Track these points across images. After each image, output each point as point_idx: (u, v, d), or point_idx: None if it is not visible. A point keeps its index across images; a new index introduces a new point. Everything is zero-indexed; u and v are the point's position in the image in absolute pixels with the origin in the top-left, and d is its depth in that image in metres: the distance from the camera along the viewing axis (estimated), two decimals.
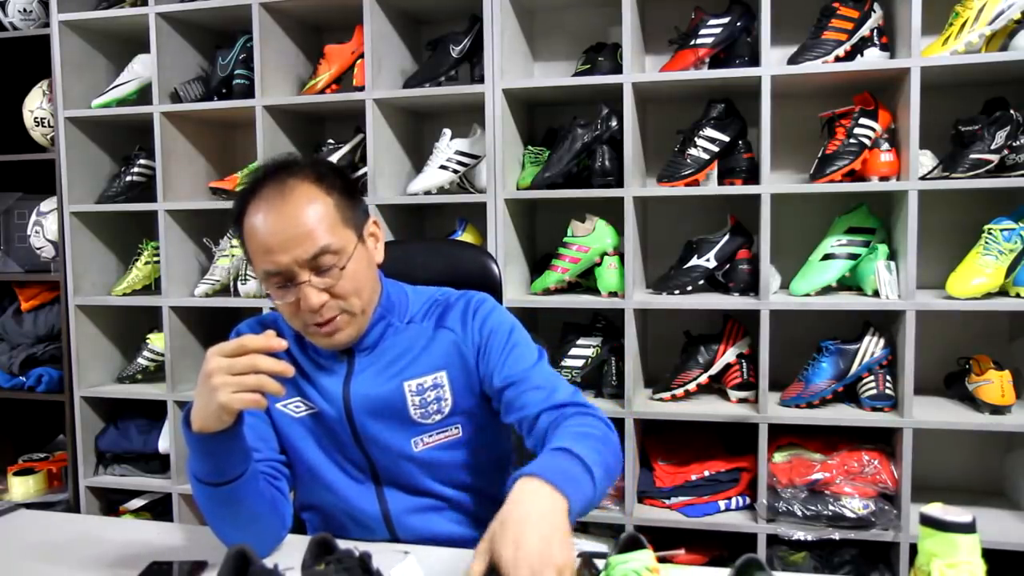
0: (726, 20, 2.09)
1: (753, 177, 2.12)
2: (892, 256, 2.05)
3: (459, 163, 2.27)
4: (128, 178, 2.54)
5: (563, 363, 2.21)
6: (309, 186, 1.15)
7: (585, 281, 2.29)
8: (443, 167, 2.26)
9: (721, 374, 2.18)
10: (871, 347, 2.05)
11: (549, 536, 0.89)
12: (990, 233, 1.94)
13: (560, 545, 0.89)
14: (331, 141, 2.41)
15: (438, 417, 1.23)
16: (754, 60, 2.09)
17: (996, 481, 2.22)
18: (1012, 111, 1.95)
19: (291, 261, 1.11)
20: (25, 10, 2.61)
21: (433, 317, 1.26)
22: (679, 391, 2.15)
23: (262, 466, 1.20)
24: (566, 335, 2.25)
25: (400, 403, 1.22)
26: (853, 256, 2.07)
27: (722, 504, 2.11)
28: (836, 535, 1.98)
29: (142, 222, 2.63)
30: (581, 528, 2.25)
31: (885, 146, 2.02)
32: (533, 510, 0.91)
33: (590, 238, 2.19)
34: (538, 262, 2.40)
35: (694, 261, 2.16)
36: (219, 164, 2.67)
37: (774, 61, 2.01)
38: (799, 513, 2.01)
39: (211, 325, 2.59)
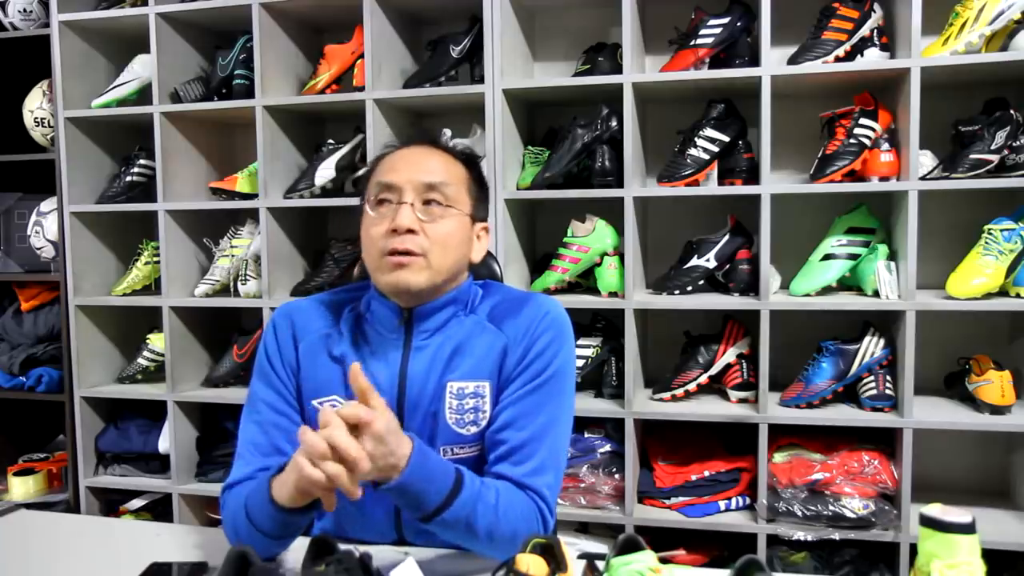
0: (726, 20, 2.09)
1: (753, 177, 2.12)
2: (892, 256, 2.05)
3: None
4: (128, 178, 2.54)
5: None
6: (452, 158, 1.24)
7: (585, 281, 2.29)
8: None
9: (721, 374, 2.18)
10: (871, 347, 2.05)
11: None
12: (990, 233, 1.94)
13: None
14: (331, 141, 2.41)
15: (473, 429, 1.19)
16: (754, 60, 2.09)
17: (996, 481, 2.22)
18: (1012, 111, 1.95)
19: (406, 180, 1.16)
20: (25, 10, 2.61)
21: (494, 313, 1.23)
22: (679, 391, 2.15)
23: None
24: None
25: (438, 404, 1.18)
26: (853, 256, 2.07)
27: (722, 504, 2.11)
28: (836, 535, 1.98)
29: (142, 222, 2.63)
30: (581, 528, 2.25)
31: (885, 146, 2.02)
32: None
33: (590, 238, 2.19)
34: (538, 262, 2.40)
35: (694, 261, 2.16)
36: (219, 164, 2.67)
37: (774, 61, 2.01)
38: (799, 513, 2.01)
39: (211, 325, 2.59)
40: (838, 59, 2.00)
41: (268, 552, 1.12)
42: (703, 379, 2.16)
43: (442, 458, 1.09)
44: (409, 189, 1.16)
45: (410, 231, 1.14)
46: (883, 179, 2.01)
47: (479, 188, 1.25)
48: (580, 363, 2.20)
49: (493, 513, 1.08)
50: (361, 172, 1.26)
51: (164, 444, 2.48)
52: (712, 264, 2.15)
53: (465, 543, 1.10)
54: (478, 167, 1.27)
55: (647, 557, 0.89)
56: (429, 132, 1.30)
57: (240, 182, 2.45)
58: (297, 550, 1.05)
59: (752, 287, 2.13)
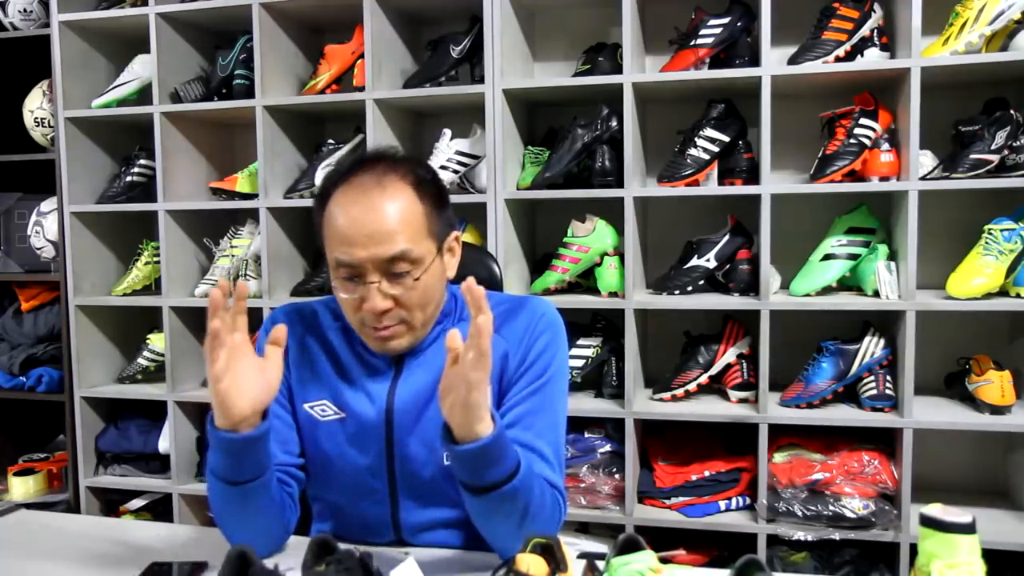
0: (726, 20, 2.09)
1: (753, 177, 2.12)
2: (892, 256, 2.05)
3: (459, 163, 2.27)
4: (128, 178, 2.54)
5: None
6: (405, 187, 1.13)
7: (585, 281, 2.29)
8: (443, 167, 2.26)
9: (721, 374, 2.18)
10: (871, 347, 2.05)
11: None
12: (990, 233, 1.94)
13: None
14: (331, 141, 2.41)
15: None
16: (754, 60, 2.09)
17: (996, 481, 2.22)
18: (1012, 111, 1.95)
19: (367, 258, 1.09)
20: (25, 10, 2.61)
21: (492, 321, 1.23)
22: (679, 391, 2.15)
23: (276, 471, 1.17)
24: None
25: (438, 410, 1.16)
26: (853, 256, 2.07)
27: (722, 504, 2.11)
28: (836, 535, 1.98)
29: (142, 222, 2.63)
30: (581, 528, 2.25)
31: (885, 146, 2.02)
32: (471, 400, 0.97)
33: (590, 238, 2.19)
34: (538, 262, 2.40)
35: (694, 261, 2.16)
36: (219, 164, 2.67)
37: (774, 61, 2.01)
38: (799, 513, 2.01)
39: None
40: (838, 59, 2.00)
41: (263, 548, 1.13)
42: (703, 379, 2.16)
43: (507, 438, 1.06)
44: (371, 268, 1.10)
45: (385, 310, 1.12)
46: (883, 179, 2.01)
47: (438, 208, 1.16)
48: (580, 363, 2.20)
49: (541, 491, 1.08)
50: (313, 191, 1.22)
51: (164, 444, 2.48)
52: (712, 264, 2.15)
53: (509, 523, 1.05)
54: (432, 183, 1.17)
55: (647, 557, 0.89)
56: (366, 155, 1.21)
57: (240, 182, 2.45)
58: (297, 550, 1.05)
59: (752, 287, 2.13)
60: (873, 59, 2.03)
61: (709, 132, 2.11)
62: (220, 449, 1.06)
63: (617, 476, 2.15)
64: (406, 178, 1.14)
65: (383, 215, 1.10)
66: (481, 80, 2.20)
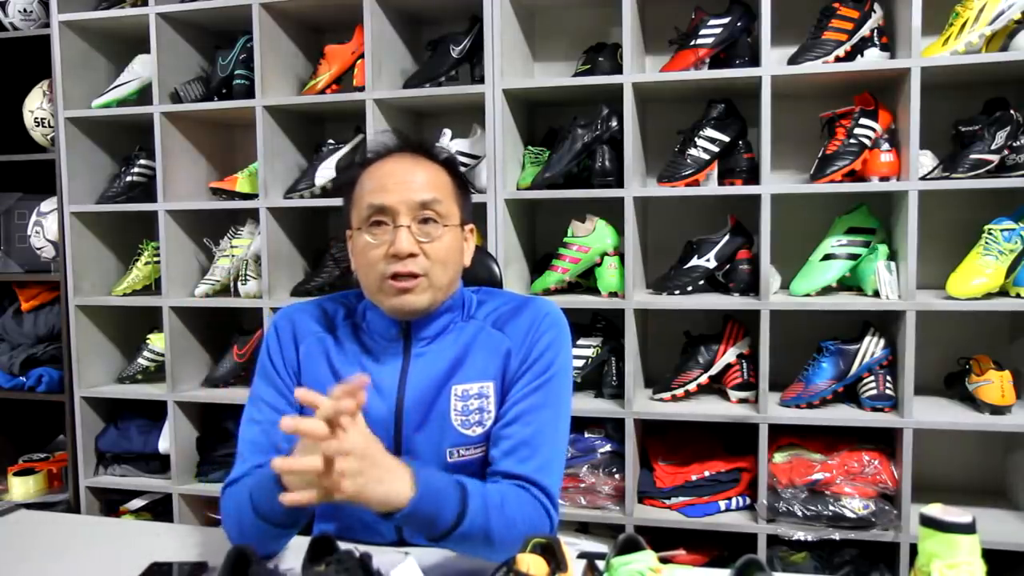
0: (726, 20, 2.09)
1: (753, 177, 2.12)
2: (892, 256, 2.05)
3: (459, 163, 2.27)
4: (128, 178, 2.54)
5: None
6: (435, 163, 1.23)
7: (585, 281, 2.29)
8: None
9: (721, 374, 2.18)
10: (871, 347, 2.05)
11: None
12: (990, 233, 1.94)
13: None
14: (331, 141, 2.41)
15: (479, 430, 1.20)
16: (754, 60, 2.09)
17: (996, 481, 2.22)
18: (1012, 111, 1.95)
19: (399, 201, 1.16)
20: (25, 10, 2.61)
21: (495, 318, 1.25)
22: (679, 391, 2.15)
23: None
24: None
25: (444, 407, 1.20)
26: (853, 256, 2.07)
27: (722, 504, 2.11)
28: (836, 535, 1.98)
29: (142, 222, 2.63)
30: (581, 528, 2.25)
31: (885, 146, 2.02)
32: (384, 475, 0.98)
33: (590, 238, 2.19)
34: (538, 262, 2.40)
35: (694, 261, 2.16)
36: (219, 164, 2.67)
37: (774, 61, 2.01)
38: (799, 513, 2.01)
39: (211, 325, 2.59)
40: (838, 59, 2.00)
41: (267, 549, 1.12)
42: (703, 379, 2.16)
43: (441, 472, 1.08)
44: (404, 211, 1.16)
45: (411, 254, 1.15)
46: (883, 179, 2.01)
47: (462, 192, 1.25)
48: (580, 363, 2.20)
49: (504, 517, 1.08)
50: (341, 178, 1.25)
51: (164, 444, 2.48)
52: (712, 264, 2.15)
53: (481, 553, 1.08)
54: (459, 169, 1.27)
55: (647, 557, 0.89)
56: (404, 133, 1.28)
57: (240, 182, 2.45)
58: (297, 550, 1.05)
59: (752, 287, 2.13)
60: (873, 59, 2.03)
61: (709, 132, 2.11)
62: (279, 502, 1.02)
63: (617, 476, 2.15)
64: (435, 159, 1.24)
65: (416, 171, 1.19)
66: (481, 80, 2.20)
